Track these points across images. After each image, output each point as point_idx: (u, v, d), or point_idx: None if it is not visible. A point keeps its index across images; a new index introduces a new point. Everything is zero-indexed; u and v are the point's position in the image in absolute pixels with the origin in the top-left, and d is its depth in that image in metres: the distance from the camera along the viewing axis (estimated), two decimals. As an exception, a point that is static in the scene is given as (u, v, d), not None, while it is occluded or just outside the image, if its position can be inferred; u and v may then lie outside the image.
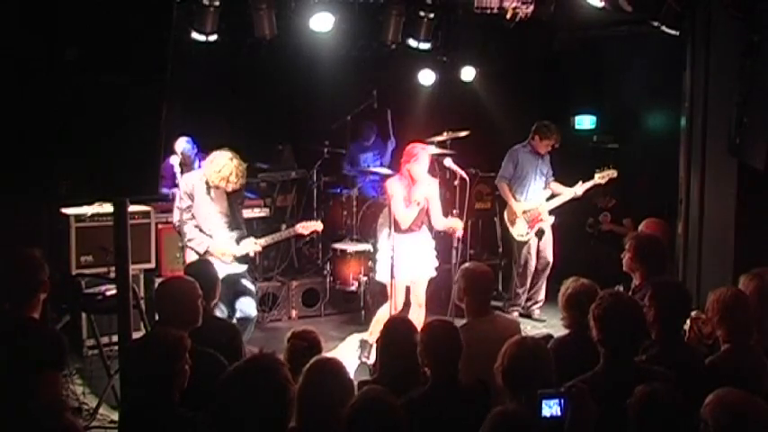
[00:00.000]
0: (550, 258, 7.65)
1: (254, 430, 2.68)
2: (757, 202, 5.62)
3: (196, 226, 5.83)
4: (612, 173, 7.41)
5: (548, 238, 7.64)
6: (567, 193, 7.51)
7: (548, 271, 7.68)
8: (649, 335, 3.82)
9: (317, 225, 6.43)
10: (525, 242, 7.60)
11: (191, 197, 5.80)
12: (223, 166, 5.71)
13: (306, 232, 6.44)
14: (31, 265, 3.70)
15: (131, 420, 3.28)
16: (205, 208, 5.84)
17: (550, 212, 7.59)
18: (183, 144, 7.78)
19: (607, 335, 3.45)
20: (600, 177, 7.40)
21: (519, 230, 7.61)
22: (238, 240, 5.95)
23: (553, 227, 7.64)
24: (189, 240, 5.80)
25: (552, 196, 7.59)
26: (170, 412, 3.08)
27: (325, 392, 3.08)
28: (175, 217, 5.87)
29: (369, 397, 2.92)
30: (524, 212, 7.57)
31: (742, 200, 5.66)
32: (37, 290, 3.71)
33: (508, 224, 7.69)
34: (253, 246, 5.98)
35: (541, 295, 7.78)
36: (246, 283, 6.00)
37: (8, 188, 3.59)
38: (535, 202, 7.56)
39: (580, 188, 7.46)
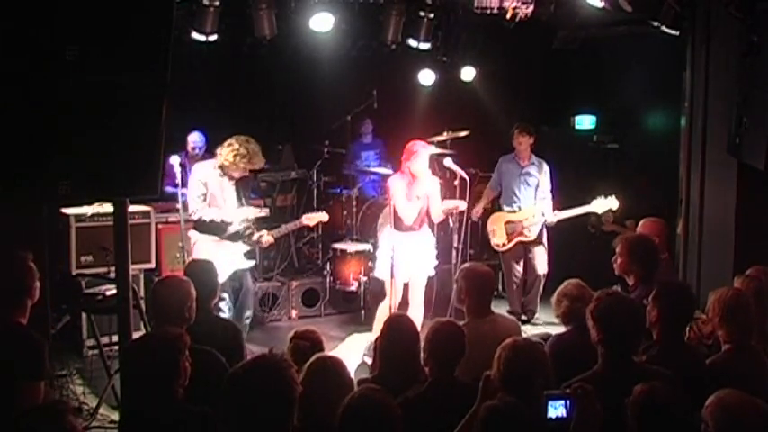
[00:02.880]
0: (540, 271, 7.40)
1: (259, 429, 2.68)
2: (757, 202, 5.63)
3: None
4: (612, 204, 7.02)
5: (539, 250, 7.41)
6: (548, 216, 7.26)
7: (539, 284, 7.42)
8: (649, 335, 3.82)
9: (323, 216, 6.61)
10: (505, 252, 7.46)
11: (205, 186, 5.90)
12: (241, 145, 5.82)
13: (311, 223, 6.65)
14: (19, 269, 3.57)
15: (132, 420, 3.27)
16: (218, 199, 5.93)
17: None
18: (195, 136, 7.98)
19: (606, 335, 3.44)
20: (597, 206, 7.07)
21: (496, 240, 7.49)
22: (248, 234, 6.00)
23: (554, 227, 7.49)
24: (207, 215, 5.84)
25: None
26: (172, 410, 3.07)
27: (325, 390, 3.08)
28: (191, 206, 5.94)
29: (362, 396, 2.92)
30: (507, 223, 7.41)
31: (742, 200, 5.67)
32: (23, 295, 3.56)
33: (489, 233, 7.58)
34: (266, 237, 6.13)
35: (534, 306, 7.55)
36: (250, 280, 6.09)
37: (8, 188, 3.58)
38: (522, 215, 7.36)
39: (560, 214, 7.18)
